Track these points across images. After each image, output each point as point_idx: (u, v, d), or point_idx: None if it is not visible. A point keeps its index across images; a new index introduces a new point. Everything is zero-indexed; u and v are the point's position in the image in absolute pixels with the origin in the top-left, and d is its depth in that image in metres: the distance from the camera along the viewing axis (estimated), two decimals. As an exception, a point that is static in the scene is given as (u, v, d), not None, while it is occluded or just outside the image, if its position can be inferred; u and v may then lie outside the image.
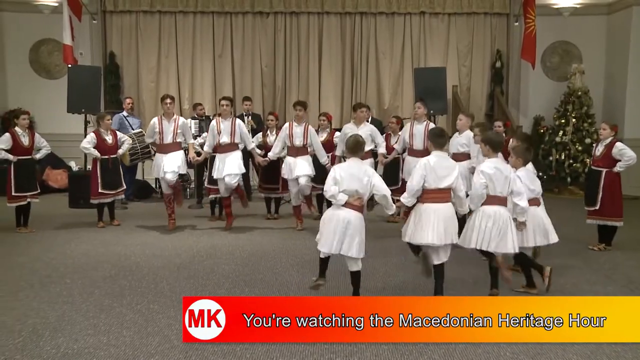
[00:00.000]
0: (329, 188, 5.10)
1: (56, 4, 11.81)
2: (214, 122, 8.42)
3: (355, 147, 5.24)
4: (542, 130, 12.28)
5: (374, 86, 13.03)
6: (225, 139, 8.18)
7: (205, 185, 9.43)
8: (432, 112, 10.81)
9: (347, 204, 5.07)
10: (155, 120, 8.47)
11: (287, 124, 8.43)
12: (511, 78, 12.98)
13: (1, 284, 5.93)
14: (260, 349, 4.36)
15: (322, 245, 5.16)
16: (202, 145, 8.90)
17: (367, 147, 8.31)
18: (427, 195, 5.25)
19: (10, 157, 8.07)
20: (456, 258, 5.92)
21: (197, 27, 12.90)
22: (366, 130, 8.34)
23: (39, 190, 8.54)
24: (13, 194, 8.14)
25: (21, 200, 8.21)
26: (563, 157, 11.65)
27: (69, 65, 11.14)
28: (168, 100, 8.37)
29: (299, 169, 8.13)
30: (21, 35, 12.45)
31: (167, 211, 8.54)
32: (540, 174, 11.71)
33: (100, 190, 8.60)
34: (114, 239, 7.84)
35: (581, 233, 7.62)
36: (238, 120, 8.46)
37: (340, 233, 5.04)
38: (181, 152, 8.48)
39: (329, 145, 8.92)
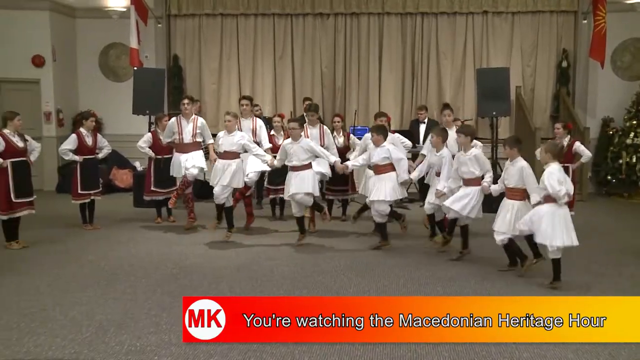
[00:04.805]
0: (559, 188, 5.68)
1: (124, 9, 12.20)
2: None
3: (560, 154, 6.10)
4: (611, 132, 11.81)
5: (435, 87, 12.84)
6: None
7: (265, 185, 9.50)
8: (494, 113, 10.58)
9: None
10: (173, 120, 8.69)
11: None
12: (578, 78, 12.53)
13: (72, 280, 6.19)
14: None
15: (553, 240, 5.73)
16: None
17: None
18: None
19: (77, 158, 8.38)
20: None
21: (258, 29, 13.05)
22: (387, 140, 8.13)
23: (101, 189, 8.86)
24: (79, 192, 8.44)
25: (85, 198, 8.52)
26: (634, 160, 11.16)
27: (135, 68, 11.47)
28: (186, 101, 8.60)
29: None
30: (92, 40, 12.91)
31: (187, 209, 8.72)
32: (609, 177, 11.42)
33: (152, 188, 8.95)
34: (176, 238, 8.03)
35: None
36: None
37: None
38: (200, 152, 8.63)
39: (346, 151, 8.92)
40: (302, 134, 7.68)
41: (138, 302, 5.47)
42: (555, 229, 5.70)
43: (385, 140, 7.40)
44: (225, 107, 13.04)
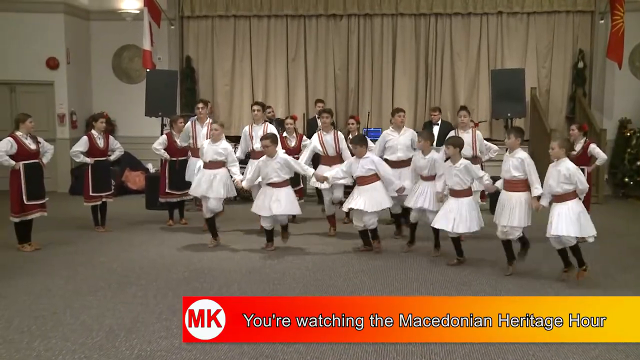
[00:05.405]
0: (587, 184, 6.02)
1: (137, 12, 12.23)
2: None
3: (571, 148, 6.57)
4: (628, 134, 11.63)
5: (449, 88, 12.72)
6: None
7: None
8: (509, 115, 10.46)
9: None
10: (189, 124, 8.68)
11: (315, 135, 8.36)
12: (595, 79, 12.35)
13: (83, 282, 6.17)
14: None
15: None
16: None
17: (410, 154, 8.00)
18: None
19: (88, 160, 8.37)
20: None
21: (270, 30, 13.01)
22: (407, 136, 8.14)
23: (112, 191, 8.87)
24: (90, 194, 8.45)
25: (97, 200, 8.52)
26: (653, 163, 10.99)
27: (147, 70, 11.48)
28: (200, 105, 8.64)
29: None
30: (106, 42, 12.95)
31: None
32: (626, 179, 11.24)
33: (167, 190, 8.92)
34: (187, 241, 7.99)
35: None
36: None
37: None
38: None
39: None
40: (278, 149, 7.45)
41: (149, 306, 5.44)
42: (589, 221, 5.98)
43: (367, 150, 7.29)
44: (237, 108, 13.08)
